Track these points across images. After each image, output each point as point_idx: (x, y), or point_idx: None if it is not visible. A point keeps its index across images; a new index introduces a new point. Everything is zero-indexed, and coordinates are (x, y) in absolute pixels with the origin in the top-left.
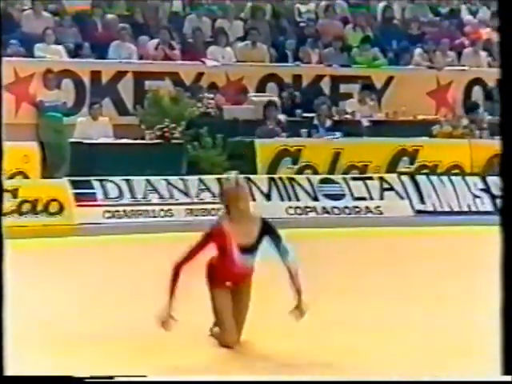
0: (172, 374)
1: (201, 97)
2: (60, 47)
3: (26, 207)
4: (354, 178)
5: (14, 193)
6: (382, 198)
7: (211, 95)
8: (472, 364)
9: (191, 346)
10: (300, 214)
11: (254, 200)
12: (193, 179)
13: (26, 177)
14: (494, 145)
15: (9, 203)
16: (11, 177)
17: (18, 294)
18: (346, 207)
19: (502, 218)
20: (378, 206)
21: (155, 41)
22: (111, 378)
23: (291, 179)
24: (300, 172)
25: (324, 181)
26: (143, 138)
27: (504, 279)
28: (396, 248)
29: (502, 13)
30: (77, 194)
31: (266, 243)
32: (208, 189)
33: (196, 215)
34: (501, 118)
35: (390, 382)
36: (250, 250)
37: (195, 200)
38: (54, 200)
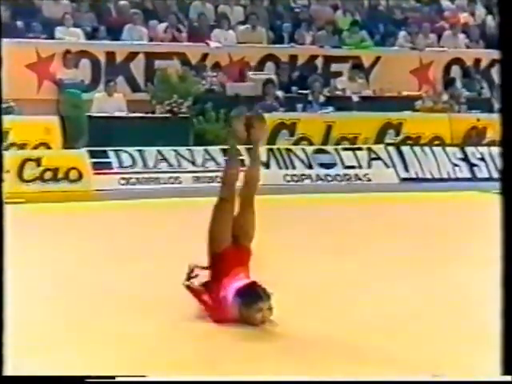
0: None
1: (205, 75)
2: (78, 30)
3: (48, 175)
4: (345, 149)
5: (38, 162)
6: (369, 167)
7: (215, 73)
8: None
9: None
10: (296, 181)
11: None
12: (199, 150)
13: (49, 147)
14: (471, 118)
15: (33, 171)
16: (35, 147)
17: (42, 251)
18: (338, 175)
19: (502, 184)
20: (367, 174)
21: (164, 24)
22: (112, 378)
23: (288, 149)
24: (296, 143)
25: (318, 151)
26: (154, 112)
27: (505, 279)
28: (383, 211)
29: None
30: (94, 163)
31: None
32: (213, 158)
33: (202, 182)
34: (501, 90)
35: (390, 382)
36: None
37: (201, 169)
38: (74, 168)
